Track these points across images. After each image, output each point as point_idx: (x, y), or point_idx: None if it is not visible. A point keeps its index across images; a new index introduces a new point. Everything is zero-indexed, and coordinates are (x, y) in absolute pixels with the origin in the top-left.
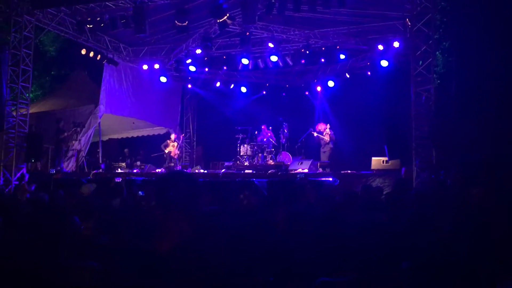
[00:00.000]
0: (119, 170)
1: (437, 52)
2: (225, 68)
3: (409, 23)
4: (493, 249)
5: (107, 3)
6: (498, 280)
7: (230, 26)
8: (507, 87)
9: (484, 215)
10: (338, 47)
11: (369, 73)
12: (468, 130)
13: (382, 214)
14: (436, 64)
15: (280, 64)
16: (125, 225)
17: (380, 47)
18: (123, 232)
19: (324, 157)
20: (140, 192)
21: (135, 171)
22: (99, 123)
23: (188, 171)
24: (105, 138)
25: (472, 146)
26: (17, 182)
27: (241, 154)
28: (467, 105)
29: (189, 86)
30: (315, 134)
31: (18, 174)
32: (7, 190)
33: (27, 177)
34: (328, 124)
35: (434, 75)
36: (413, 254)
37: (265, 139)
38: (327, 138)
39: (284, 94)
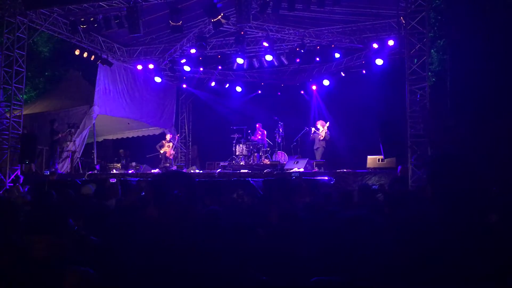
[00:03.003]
0: (114, 171)
1: (432, 50)
2: (220, 67)
3: (404, 21)
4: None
5: (100, 3)
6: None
7: (225, 26)
8: (501, 84)
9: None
10: (333, 46)
11: (364, 71)
12: (462, 128)
13: (378, 212)
14: (431, 62)
15: (275, 63)
16: (120, 225)
17: (375, 45)
18: (118, 232)
19: (317, 156)
20: (143, 193)
21: (130, 171)
22: (93, 124)
23: (183, 171)
24: (100, 139)
25: (466, 143)
26: (11, 184)
27: (237, 153)
28: (462, 103)
29: (184, 86)
30: (313, 130)
31: (13, 176)
32: (1, 192)
33: (21, 179)
34: (328, 122)
35: (429, 73)
36: (409, 251)
37: (259, 137)
38: (323, 134)
39: (279, 93)
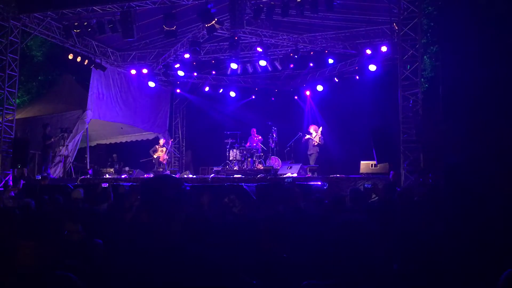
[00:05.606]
0: (107, 176)
1: (425, 57)
2: (213, 72)
3: (396, 28)
4: (484, 252)
5: (94, 7)
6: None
7: (219, 31)
8: (493, 90)
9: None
10: (326, 51)
11: (357, 77)
12: (455, 134)
13: (370, 216)
14: (424, 68)
15: (269, 68)
16: (112, 228)
17: (368, 51)
18: (110, 235)
19: (311, 161)
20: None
21: (123, 176)
22: (86, 128)
23: (177, 176)
24: (93, 143)
25: (459, 149)
26: (2, 189)
27: (230, 158)
28: (454, 109)
29: (178, 90)
30: (307, 136)
31: (4, 181)
32: None
33: (10, 182)
34: (321, 127)
35: (422, 79)
36: (402, 256)
37: (254, 144)
38: (317, 139)
39: (273, 98)
